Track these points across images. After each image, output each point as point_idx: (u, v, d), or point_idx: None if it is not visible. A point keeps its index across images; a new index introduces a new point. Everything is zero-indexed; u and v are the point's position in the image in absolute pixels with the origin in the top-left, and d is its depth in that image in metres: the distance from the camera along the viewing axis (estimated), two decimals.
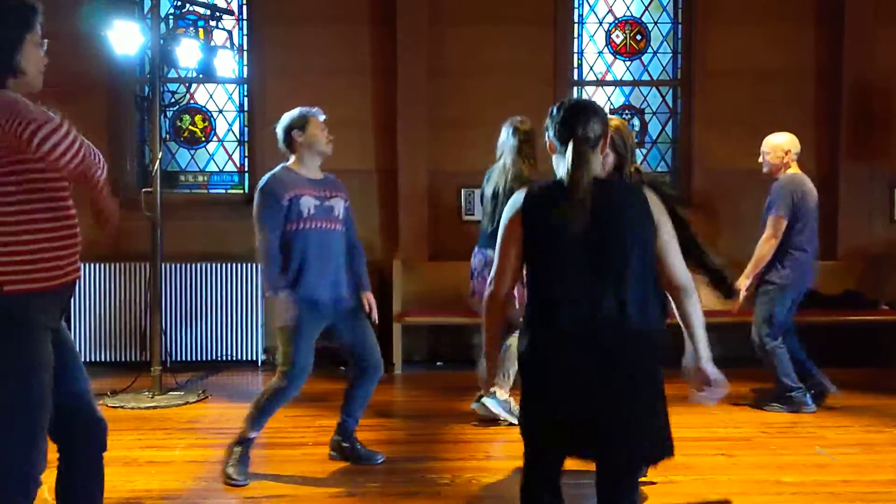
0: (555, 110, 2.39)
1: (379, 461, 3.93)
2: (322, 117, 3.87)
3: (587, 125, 2.31)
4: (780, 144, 4.98)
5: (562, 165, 2.32)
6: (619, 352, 2.25)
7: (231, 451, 3.69)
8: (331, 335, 3.83)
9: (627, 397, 2.26)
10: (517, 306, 4.39)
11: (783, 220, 4.84)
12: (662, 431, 2.39)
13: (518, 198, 2.37)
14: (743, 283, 4.83)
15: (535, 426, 2.37)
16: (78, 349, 6.69)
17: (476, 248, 4.70)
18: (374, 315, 3.95)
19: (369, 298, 3.93)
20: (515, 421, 4.54)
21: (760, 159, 5.09)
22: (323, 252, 3.69)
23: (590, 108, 2.36)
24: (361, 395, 3.94)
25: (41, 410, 2.29)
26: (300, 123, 3.79)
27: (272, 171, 3.82)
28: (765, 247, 4.88)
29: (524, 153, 4.47)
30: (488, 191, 4.58)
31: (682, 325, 2.39)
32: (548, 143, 2.42)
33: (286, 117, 3.85)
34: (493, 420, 4.57)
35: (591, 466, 2.35)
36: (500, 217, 4.40)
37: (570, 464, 2.38)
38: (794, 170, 5.00)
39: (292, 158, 3.84)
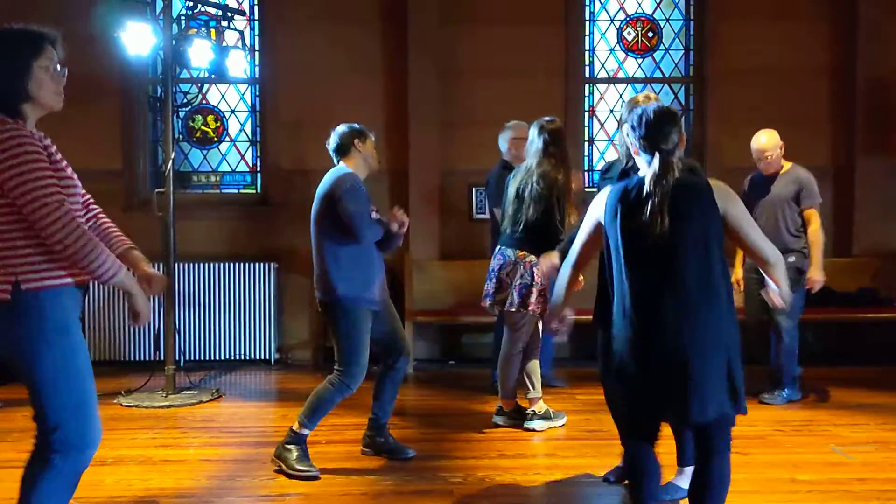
0: (636, 121, 2.64)
1: (410, 455, 4.00)
2: (371, 136, 4.08)
3: (669, 137, 2.59)
4: (777, 141, 5.10)
5: (647, 169, 2.60)
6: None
7: (287, 451, 3.76)
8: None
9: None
10: (527, 311, 4.37)
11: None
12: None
13: (604, 192, 2.72)
14: (819, 275, 4.96)
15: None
16: (92, 349, 6.73)
17: (497, 248, 4.56)
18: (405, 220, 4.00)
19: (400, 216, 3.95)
20: (559, 423, 4.55)
21: (762, 164, 5.15)
22: (376, 253, 3.90)
23: (670, 119, 2.61)
24: (392, 385, 4.03)
25: (93, 390, 2.44)
26: (363, 135, 3.99)
27: (350, 172, 3.87)
28: (821, 234, 5.04)
29: (550, 153, 4.38)
30: (511, 191, 4.47)
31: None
32: (630, 146, 2.74)
33: (349, 125, 4.02)
34: (514, 423, 4.56)
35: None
36: (524, 217, 4.42)
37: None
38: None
39: (346, 164, 3.95)
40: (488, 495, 3.54)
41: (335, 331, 3.83)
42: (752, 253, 2.70)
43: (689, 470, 3.47)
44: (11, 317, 2.31)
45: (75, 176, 2.51)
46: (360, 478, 3.74)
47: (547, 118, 4.49)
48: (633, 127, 2.66)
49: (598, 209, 2.75)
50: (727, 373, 2.55)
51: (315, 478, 3.68)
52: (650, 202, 2.53)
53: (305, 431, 3.79)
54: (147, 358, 6.22)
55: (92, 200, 2.69)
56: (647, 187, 2.56)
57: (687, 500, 2.76)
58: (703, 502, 2.66)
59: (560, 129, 4.47)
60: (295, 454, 3.73)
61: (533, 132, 4.46)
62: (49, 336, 2.33)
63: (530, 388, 4.55)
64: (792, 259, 4.88)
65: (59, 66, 2.43)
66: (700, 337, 2.52)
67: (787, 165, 5.14)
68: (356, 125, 4.04)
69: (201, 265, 6.42)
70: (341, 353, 3.80)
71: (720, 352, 2.54)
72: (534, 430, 4.47)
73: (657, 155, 2.57)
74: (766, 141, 5.09)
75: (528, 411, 4.53)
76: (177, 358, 5.55)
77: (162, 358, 5.47)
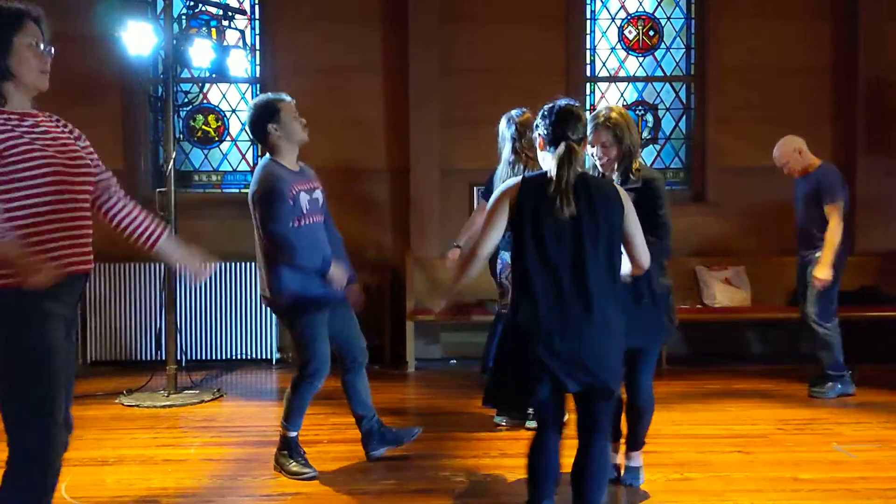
0: (545, 112, 2.79)
1: (416, 432, 3.97)
2: (291, 101, 3.59)
3: (575, 128, 2.75)
4: (788, 149, 5.16)
5: (550, 161, 2.72)
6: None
7: (282, 456, 3.72)
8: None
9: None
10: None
11: (843, 205, 5.03)
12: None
13: (514, 181, 2.77)
14: (826, 273, 4.95)
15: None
16: (94, 348, 6.73)
17: (497, 253, 4.43)
18: (359, 303, 3.82)
19: (354, 291, 3.79)
20: None
21: (784, 171, 5.23)
22: (316, 246, 3.57)
23: (576, 113, 2.78)
24: (364, 383, 3.87)
25: (52, 391, 2.28)
26: (272, 114, 3.51)
27: (267, 169, 3.55)
28: (838, 233, 5.01)
29: (517, 149, 4.34)
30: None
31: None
32: (538, 140, 2.83)
33: (254, 108, 3.57)
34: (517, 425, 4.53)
35: None
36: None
37: None
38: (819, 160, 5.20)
39: (270, 153, 3.61)
40: (489, 495, 3.54)
41: (287, 329, 3.72)
42: (630, 253, 2.82)
43: (636, 454, 3.50)
44: None
45: (81, 159, 2.44)
46: (361, 476, 3.74)
47: (516, 111, 4.45)
48: (542, 117, 2.80)
49: (510, 195, 2.73)
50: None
51: (312, 478, 3.65)
52: (555, 185, 2.64)
53: (292, 433, 3.73)
54: (148, 357, 6.22)
55: (110, 180, 2.61)
56: (552, 172, 2.67)
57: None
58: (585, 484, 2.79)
59: (529, 120, 4.27)
60: (289, 458, 3.70)
61: (503, 125, 4.42)
62: None
63: None
64: (818, 255, 4.99)
65: (43, 45, 2.35)
66: (600, 329, 2.67)
67: (814, 164, 5.16)
68: (261, 101, 3.57)
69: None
70: (297, 351, 3.71)
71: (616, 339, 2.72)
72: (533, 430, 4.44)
73: (563, 143, 2.69)
74: (777, 153, 5.22)
75: (531, 411, 4.52)
76: (178, 357, 5.55)
77: (163, 357, 5.47)
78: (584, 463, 2.79)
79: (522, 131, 4.34)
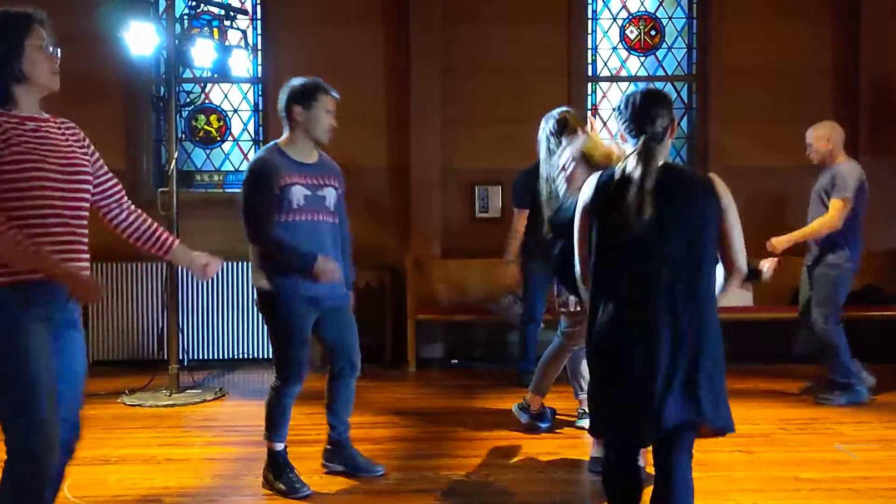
0: (623, 103, 2.49)
1: (379, 473, 3.70)
2: (335, 96, 3.44)
3: (655, 120, 2.43)
4: (820, 132, 5.04)
5: (632, 157, 2.41)
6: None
7: (268, 471, 3.56)
8: (313, 330, 3.55)
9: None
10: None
11: (850, 203, 4.90)
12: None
13: (586, 186, 2.52)
14: (781, 244, 4.83)
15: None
16: (96, 348, 6.72)
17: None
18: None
19: (350, 297, 3.64)
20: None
21: (808, 152, 5.11)
22: (312, 246, 3.36)
23: (658, 101, 2.47)
24: (347, 395, 3.67)
25: (38, 395, 2.28)
26: (307, 99, 3.36)
27: (261, 153, 3.42)
28: (825, 226, 4.90)
29: (551, 148, 4.11)
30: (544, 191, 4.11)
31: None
32: (619, 133, 2.54)
33: (294, 84, 3.41)
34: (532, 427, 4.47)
35: None
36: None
37: None
38: (847, 157, 5.08)
39: (285, 134, 3.45)
40: (490, 494, 3.54)
41: (268, 327, 3.54)
42: (727, 259, 2.49)
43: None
44: None
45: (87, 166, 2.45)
46: (362, 476, 3.73)
47: (556, 110, 4.21)
48: (619, 111, 2.51)
49: (584, 197, 2.53)
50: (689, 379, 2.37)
51: (305, 497, 3.44)
52: (631, 189, 2.34)
53: (279, 446, 3.52)
54: (151, 357, 6.23)
55: (117, 192, 2.62)
56: (628, 171, 2.37)
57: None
58: None
59: (565, 119, 4.11)
60: (278, 476, 3.50)
61: (541, 125, 4.20)
62: None
63: (579, 389, 4.41)
64: (829, 257, 4.93)
65: (51, 46, 2.39)
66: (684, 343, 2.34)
67: (839, 159, 5.01)
68: (306, 81, 3.40)
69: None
70: (273, 352, 3.53)
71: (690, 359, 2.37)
72: (583, 429, 4.33)
73: (642, 137, 2.42)
74: (809, 134, 5.07)
75: (580, 410, 4.47)
76: (180, 357, 5.55)
77: (165, 357, 5.48)
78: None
79: (558, 130, 4.10)
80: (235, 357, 6.44)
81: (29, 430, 2.28)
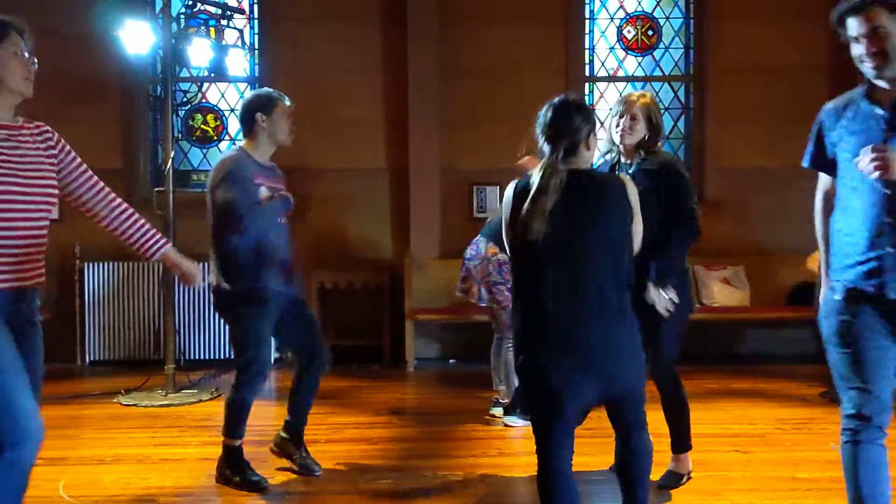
0: (540, 114, 2.53)
1: (317, 473, 3.69)
2: (289, 104, 3.63)
3: (566, 133, 2.45)
4: None
5: (536, 170, 2.46)
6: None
7: (224, 468, 3.58)
8: (275, 329, 3.62)
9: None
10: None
11: None
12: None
13: (508, 192, 2.57)
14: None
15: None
16: (92, 348, 6.69)
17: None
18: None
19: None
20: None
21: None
22: (274, 242, 3.52)
23: (572, 113, 2.47)
24: (310, 395, 3.72)
25: (13, 380, 2.30)
26: (266, 107, 3.55)
27: (232, 156, 3.55)
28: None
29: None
30: None
31: None
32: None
33: (253, 97, 3.64)
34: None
35: None
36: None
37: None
38: None
39: (246, 140, 3.60)
40: (489, 494, 3.53)
41: (230, 325, 3.60)
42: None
43: (684, 456, 3.50)
44: None
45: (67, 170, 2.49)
46: (359, 476, 3.73)
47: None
48: (536, 123, 2.55)
49: (504, 203, 2.58)
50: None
51: (262, 489, 3.48)
52: (527, 203, 2.40)
53: (237, 443, 3.56)
54: (147, 357, 6.22)
55: (99, 190, 2.63)
56: (531, 183, 2.42)
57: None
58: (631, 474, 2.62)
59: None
60: (234, 471, 3.53)
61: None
62: None
63: (498, 381, 4.68)
64: None
65: (27, 55, 2.41)
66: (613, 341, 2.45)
67: None
68: (261, 92, 3.65)
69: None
70: (236, 353, 3.57)
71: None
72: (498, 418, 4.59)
73: (555, 150, 2.44)
74: None
75: (494, 399, 4.70)
76: (176, 357, 5.55)
77: (161, 357, 5.47)
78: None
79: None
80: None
81: (16, 420, 2.28)
